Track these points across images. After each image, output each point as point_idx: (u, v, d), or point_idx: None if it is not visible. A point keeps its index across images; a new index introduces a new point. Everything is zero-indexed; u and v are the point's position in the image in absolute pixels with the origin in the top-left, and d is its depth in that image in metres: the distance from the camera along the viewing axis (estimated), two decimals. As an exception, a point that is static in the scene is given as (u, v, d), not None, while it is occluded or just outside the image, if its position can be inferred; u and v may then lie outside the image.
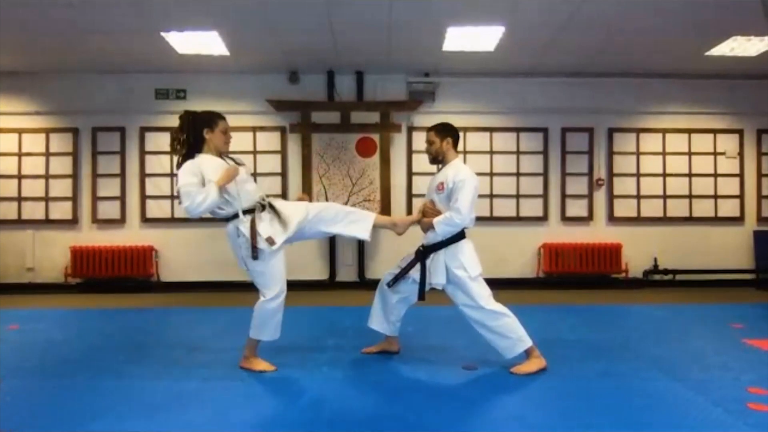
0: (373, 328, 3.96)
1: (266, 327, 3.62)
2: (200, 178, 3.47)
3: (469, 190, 3.61)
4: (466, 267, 3.60)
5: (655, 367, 3.72)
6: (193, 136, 3.59)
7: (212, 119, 3.63)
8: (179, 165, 3.59)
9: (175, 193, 3.60)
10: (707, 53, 6.62)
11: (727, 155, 7.77)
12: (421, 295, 3.70)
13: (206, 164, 3.53)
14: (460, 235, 3.67)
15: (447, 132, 3.80)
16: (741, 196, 7.79)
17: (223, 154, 3.68)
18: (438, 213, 3.67)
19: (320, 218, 3.63)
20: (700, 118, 7.75)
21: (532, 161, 7.69)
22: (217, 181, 3.45)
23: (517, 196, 7.67)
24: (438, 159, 3.81)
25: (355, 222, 3.67)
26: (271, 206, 3.61)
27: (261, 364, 3.66)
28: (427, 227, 3.68)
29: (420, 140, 7.25)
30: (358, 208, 7.09)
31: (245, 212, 3.53)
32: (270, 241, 3.48)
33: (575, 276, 7.55)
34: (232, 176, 3.50)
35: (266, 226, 3.52)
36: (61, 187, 7.48)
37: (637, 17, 5.59)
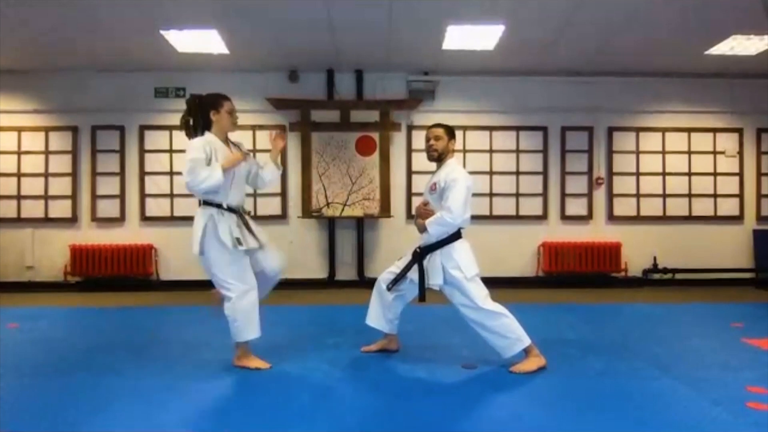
0: (371, 326, 3.97)
1: (245, 327, 3.61)
2: (209, 156, 3.54)
3: (461, 189, 3.60)
4: (462, 267, 3.59)
5: (654, 365, 3.72)
6: (201, 118, 3.66)
7: (217, 101, 3.69)
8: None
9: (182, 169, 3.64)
10: (707, 52, 6.62)
11: (726, 154, 7.77)
12: (422, 296, 3.70)
13: (218, 145, 3.62)
14: (456, 236, 3.66)
15: (453, 134, 3.85)
16: (740, 195, 7.79)
17: (229, 140, 3.75)
18: (431, 213, 3.66)
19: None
20: (700, 117, 7.75)
21: (531, 160, 7.69)
22: (222, 164, 3.53)
23: (517, 195, 7.68)
24: (441, 157, 3.80)
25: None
26: (247, 217, 3.71)
27: (255, 362, 3.66)
28: (422, 228, 3.68)
29: (420, 139, 7.25)
30: (357, 207, 7.27)
31: (229, 209, 3.60)
32: (238, 241, 3.54)
33: (575, 275, 7.55)
34: (236, 162, 3.62)
35: (238, 229, 3.59)
36: (61, 186, 7.47)
37: (636, 16, 5.59)
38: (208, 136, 3.63)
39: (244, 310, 3.58)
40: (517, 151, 7.69)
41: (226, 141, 3.74)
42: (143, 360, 3.89)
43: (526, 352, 3.61)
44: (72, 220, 7.47)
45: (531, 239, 7.66)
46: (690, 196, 7.76)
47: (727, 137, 7.79)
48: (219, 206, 3.59)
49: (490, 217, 7.52)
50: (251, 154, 3.95)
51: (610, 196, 7.75)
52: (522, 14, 5.56)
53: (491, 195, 7.59)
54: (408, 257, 3.76)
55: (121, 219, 7.50)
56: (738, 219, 7.79)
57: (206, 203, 3.61)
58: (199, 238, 3.56)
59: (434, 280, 3.62)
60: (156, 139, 7.45)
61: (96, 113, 7.46)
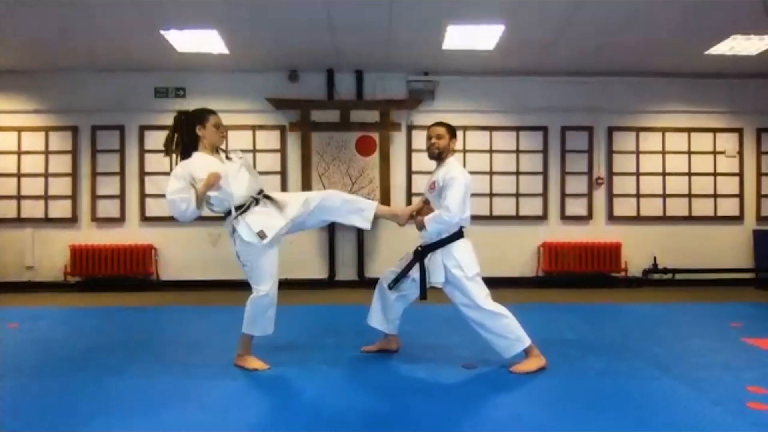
0: (373, 326, 3.97)
1: (258, 322, 3.63)
2: (188, 181, 3.50)
3: (459, 187, 3.59)
4: (463, 266, 3.59)
5: (654, 365, 3.72)
6: (186, 135, 3.61)
7: (203, 115, 3.65)
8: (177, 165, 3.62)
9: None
10: (707, 52, 6.62)
11: (726, 154, 7.78)
12: (423, 294, 3.70)
13: (197, 164, 3.54)
14: (457, 235, 3.66)
15: (455, 133, 3.85)
16: (740, 195, 7.80)
17: (218, 148, 3.69)
18: (430, 211, 3.66)
19: (322, 208, 3.63)
20: (700, 117, 7.75)
21: (531, 160, 7.69)
22: (199, 191, 3.47)
23: (517, 195, 7.67)
24: (441, 156, 3.80)
25: (357, 212, 3.67)
26: (268, 198, 3.61)
27: (254, 363, 3.66)
28: (420, 226, 3.68)
29: (420, 139, 7.25)
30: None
31: (237, 208, 3.53)
32: (261, 235, 3.48)
33: (575, 275, 7.55)
34: (212, 183, 3.47)
35: (258, 219, 3.51)
36: (61, 186, 7.47)
37: (636, 16, 5.59)
38: (190, 159, 3.56)
39: (263, 307, 3.60)
40: (517, 151, 7.68)
41: (217, 153, 3.67)
42: (143, 360, 3.89)
43: (526, 352, 3.60)
44: (72, 220, 7.47)
45: (531, 239, 7.66)
46: (690, 196, 7.76)
47: (727, 137, 7.79)
48: (229, 212, 3.54)
49: (490, 217, 7.51)
50: (245, 155, 3.85)
51: (610, 196, 7.74)
52: (522, 14, 5.56)
53: (491, 195, 7.58)
54: (410, 256, 3.76)
55: (121, 219, 7.50)
56: (738, 219, 7.78)
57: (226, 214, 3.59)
58: (235, 250, 3.57)
59: (436, 278, 3.62)
60: (156, 139, 7.41)
61: (96, 113, 7.46)
